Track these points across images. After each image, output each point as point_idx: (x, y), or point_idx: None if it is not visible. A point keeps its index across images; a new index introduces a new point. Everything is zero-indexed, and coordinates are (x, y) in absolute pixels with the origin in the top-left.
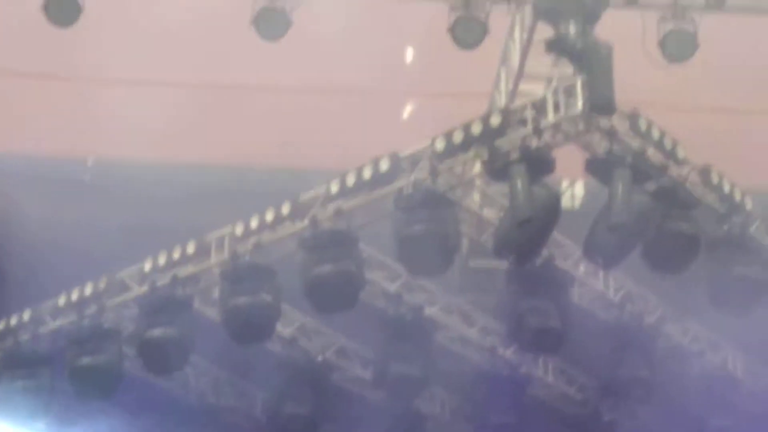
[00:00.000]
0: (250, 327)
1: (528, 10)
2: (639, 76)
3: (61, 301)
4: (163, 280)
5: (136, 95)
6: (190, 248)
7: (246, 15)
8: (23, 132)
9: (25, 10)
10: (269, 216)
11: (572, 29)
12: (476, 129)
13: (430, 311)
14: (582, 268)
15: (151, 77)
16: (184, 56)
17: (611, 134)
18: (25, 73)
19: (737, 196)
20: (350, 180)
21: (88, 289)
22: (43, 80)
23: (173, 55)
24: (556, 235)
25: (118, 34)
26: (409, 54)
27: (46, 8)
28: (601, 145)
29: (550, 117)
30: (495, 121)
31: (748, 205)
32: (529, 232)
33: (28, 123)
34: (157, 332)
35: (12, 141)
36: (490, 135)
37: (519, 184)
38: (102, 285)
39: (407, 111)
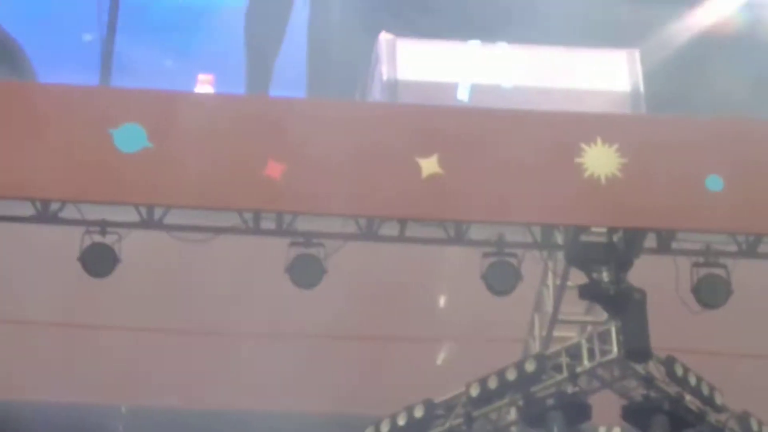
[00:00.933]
0: None
1: (560, 257)
2: (674, 322)
3: None
4: None
5: (169, 344)
6: None
7: (280, 264)
8: (56, 381)
9: (56, 261)
10: None
11: (605, 276)
12: (511, 375)
13: None
14: None
15: (182, 326)
16: (215, 305)
17: (647, 380)
18: (55, 322)
19: None
20: (384, 428)
21: None
22: (72, 329)
23: (201, 305)
24: None
25: (149, 284)
26: (442, 300)
27: (83, 259)
28: (637, 392)
29: (586, 363)
30: (530, 367)
31: None
32: None
33: (61, 371)
34: None
35: (45, 390)
36: (525, 381)
37: (555, 430)
38: None
39: (441, 357)
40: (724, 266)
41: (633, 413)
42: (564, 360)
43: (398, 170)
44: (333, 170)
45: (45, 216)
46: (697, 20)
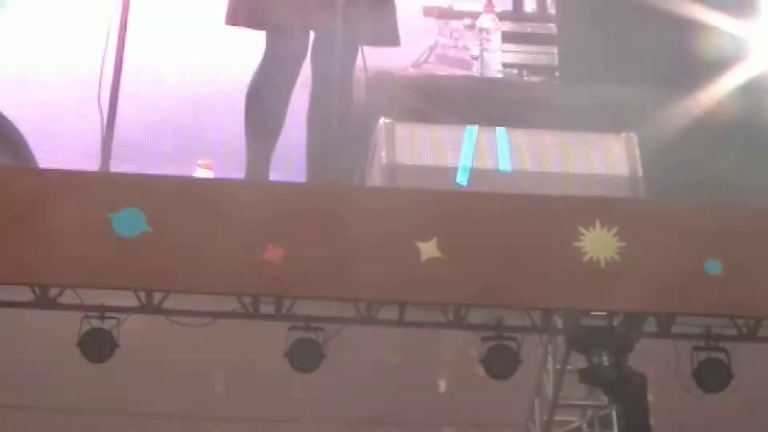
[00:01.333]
0: None
1: (560, 340)
2: (675, 406)
3: None
4: None
5: (167, 429)
6: None
7: (279, 349)
8: None
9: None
10: None
11: (605, 360)
12: None
13: None
14: None
15: (181, 411)
16: (213, 390)
17: None
18: (55, 408)
19: None
20: None
21: None
22: (72, 415)
23: (200, 389)
24: None
25: (149, 369)
26: (442, 384)
27: (81, 345)
28: None
29: None
30: None
31: None
32: None
33: None
34: None
35: None
36: None
37: None
38: None
39: None
40: (725, 350)
41: None
42: None
43: (398, 254)
44: (331, 255)
45: (44, 301)
46: (696, 104)
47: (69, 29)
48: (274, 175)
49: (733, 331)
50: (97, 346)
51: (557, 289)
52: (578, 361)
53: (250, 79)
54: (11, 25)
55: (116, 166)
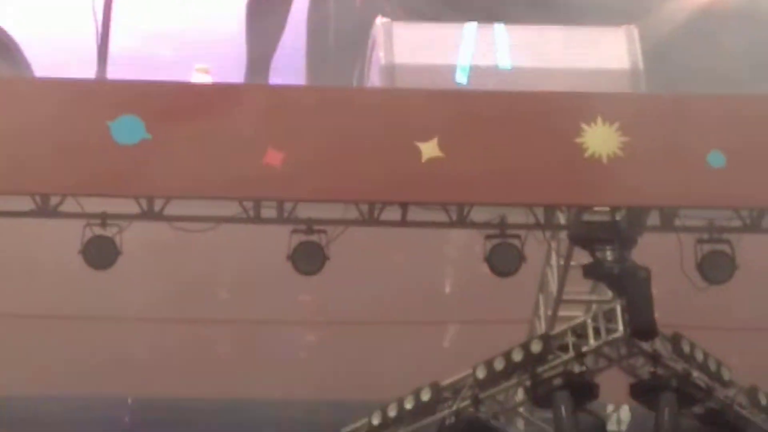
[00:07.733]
0: None
1: (564, 237)
2: (679, 299)
3: None
4: None
5: (172, 334)
6: None
7: (282, 252)
8: (60, 374)
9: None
10: None
11: (609, 254)
12: (517, 356)
13: None
14: None
15: (185, 316)
16: (218, 294)
17: (654, 358)
18: (58, 315)
19: None
20: (392, 411)
21: None
22: (75, 322)
23: (208, 294)
24: None
25: (151, 276)
26: (447, 283)
27: (85, 252)
28: (644, 369)
29: (591, 342)
30: (536, 347)
31: None
32: None
33: (65, 364)
34: None
35: (50, 384)
36: (531, 362)
37: (563, 410)
38: None
39: (447, 339)
40: (728, 242)
41: (641, 391)
42: (570, 339)
43: (398, 155)
44: (332, 157)
45: (45, 210)
46: None
47: None
48: (274, 79)
49: (738, 223)
50: (101, 253)
51: (559, 186)
52: (582, 257)
53: None
54: None
55: (113, 74)
